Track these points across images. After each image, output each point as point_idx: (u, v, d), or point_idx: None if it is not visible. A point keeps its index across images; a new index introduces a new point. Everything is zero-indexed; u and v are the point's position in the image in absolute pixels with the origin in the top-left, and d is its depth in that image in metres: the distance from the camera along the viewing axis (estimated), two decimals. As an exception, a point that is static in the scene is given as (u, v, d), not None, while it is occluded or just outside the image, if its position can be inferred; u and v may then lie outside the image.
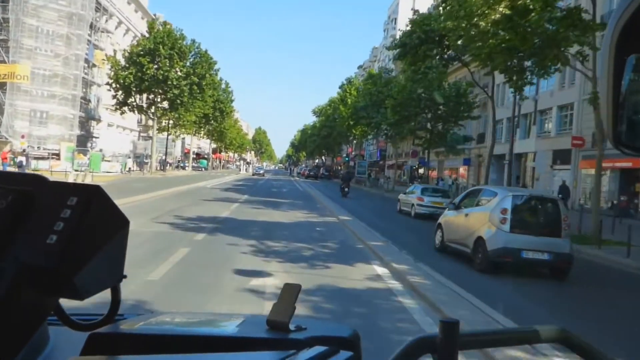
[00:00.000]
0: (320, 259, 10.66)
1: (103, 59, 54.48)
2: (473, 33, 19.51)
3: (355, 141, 79.33)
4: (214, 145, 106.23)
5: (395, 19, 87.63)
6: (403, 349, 0.81)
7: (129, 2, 70.66)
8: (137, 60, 50.96)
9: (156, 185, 31.02)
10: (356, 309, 7.04)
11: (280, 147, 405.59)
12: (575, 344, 0.92)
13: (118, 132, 70.31)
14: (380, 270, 9.83)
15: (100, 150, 54.25)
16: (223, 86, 76.33)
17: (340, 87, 69.18)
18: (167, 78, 51.17)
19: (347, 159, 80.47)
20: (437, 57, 25.88)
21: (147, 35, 53.63)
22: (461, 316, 6.11)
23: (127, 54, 52.13)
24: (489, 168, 29.01)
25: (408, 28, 25.32)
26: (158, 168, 60.81)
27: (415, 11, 27.54)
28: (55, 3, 52.81)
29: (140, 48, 51.52)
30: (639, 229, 16.39)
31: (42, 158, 49.17)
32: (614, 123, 0.73)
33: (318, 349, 0.98)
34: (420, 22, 25.55)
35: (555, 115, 37.78)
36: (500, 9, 18.13)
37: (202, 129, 76.45)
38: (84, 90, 57.06)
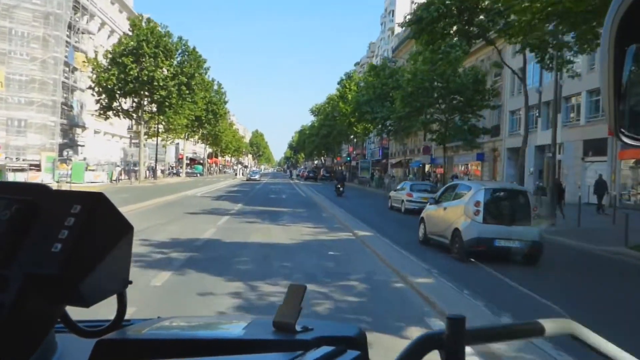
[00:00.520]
0: (344, 318, 6.51)
1: (84, 61, 50.31)
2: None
3: (356, 140, 75.17)
4: (209, 150, 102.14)
5: (393, 11, 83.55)
6: (410, 346, 0.82)
7: (113, 2, 66.48)
8: (120, 60, 46.89)
9: (141, 196, 26.87)
10: None
11: (279, 149, 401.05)
12: (582, 336, 0.91)
13: (106, 140, 66.18)
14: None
15: (84, 159, 50.12)
16: (215, 87, 72.20)
17: (339, 83, 64.90)
18: (153, 79, 47.07)
19: (348, 158, 76.30)
20: (458, 35, 21.72)
21: (129, 33, 49.42)
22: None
23: (109, 55, 48.01)
24: (524, 159, 24.85)
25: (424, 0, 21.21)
26: (148, 176, 56.67)
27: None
28: (29, 2, 48.62)
29: (122, 47, 47.42)
30: None
31: (21, 170, 45.01)
32: (615, 113, 0.73)
33: (325, 349, 0.97)
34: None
35: (585, 100, 33.63)
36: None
37: (195, 133, 72.23)
38: (65, 95, 52.91)
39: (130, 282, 1.04)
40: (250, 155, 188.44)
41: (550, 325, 0.92)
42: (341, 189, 35.65)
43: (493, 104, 31.94)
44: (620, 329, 4.79)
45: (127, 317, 1.14)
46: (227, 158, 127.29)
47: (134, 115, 50.80)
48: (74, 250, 0.87)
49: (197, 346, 1.08)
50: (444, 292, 7.93)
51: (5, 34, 47.62)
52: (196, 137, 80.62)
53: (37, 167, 46.19)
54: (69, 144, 54.37)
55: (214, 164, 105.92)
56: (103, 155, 58.16)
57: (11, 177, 40.46)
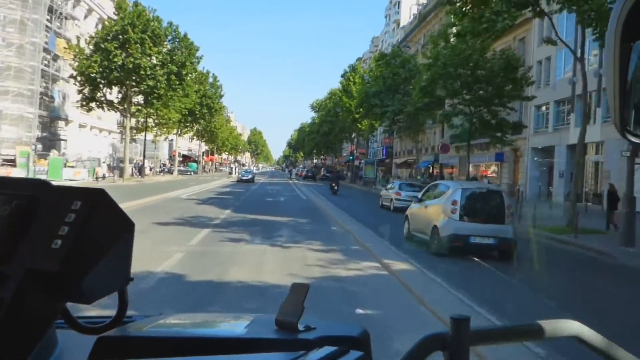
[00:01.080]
0: None
1: (65, 47, 45.48)
2: None
3: (357, 139, 70.34)
4: (205, 147, 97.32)
5: (399, 2, 78.79)
6: (414, 347, 0.82)
7: (102, -12, 61.62)
8: (103, 46, 42.09)
9: (116, 198, 22.02)
10: None
11: (278, 148, 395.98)
12: (586, 337, 0.91)
13: (93, 135, 61.28)
14: None
15: (63, 154, 45.35)
16: (210, 80, 67.42)
17: (342, 76, 59.98)
18: (140, 67, 42.27)
19: (351, 157, 71.48)
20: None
21: (114, 17, 44.56)
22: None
23: (92, 40, 43.19)
24: (583, 156, 20.15)
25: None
26: (135, 173, 51.92)
27: None
28: (3, -18, 43.88)
29: (106, 32, 42.64)
30: None
31: (-8, 165, 40.28)
32: (620, 110, 0.73)
33: (328, 349, 0.96)
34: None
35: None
36: None
37: (189, 129, 67.38)
38: (45, 85, 48.07)
39: (132, 279, 1.01)
40: (248, 154, 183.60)
41: (555, 326, 0.91)
42: (336, 187, 37.22)
43: (526, 94, 27.13)
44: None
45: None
46: (224, 156, 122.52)
47: (119, 107, 45.92)
48: (75, 246, 0.86)
49: (199, 344, 1.06)
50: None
51: (-23, 15, 42.85)
52: (190, 133, 75.84)
53: (11, 162, 41.39)
54: (49, 137, 49.53)
55: (210, 162, 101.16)
56: (89, 151, 53.41)
57: (-20, 173, 36.01)
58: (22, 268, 0.85)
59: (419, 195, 15.31)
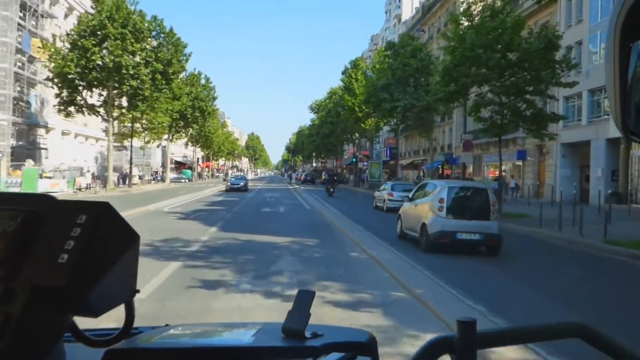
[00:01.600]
0: None
1: (39, 47, 41.17)
2: None
3: (358, 140, 65.91)
4: (201, 153, 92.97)
5: (400, -4, 74.61)
6: (421, 350, 0.82)
7: (84, -14, 57.33)
8: (80, 43, 37.81)
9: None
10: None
11: (276, 153, 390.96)
12: (594, 339, 0.90)
13: (79, 142, 56.92)
14: None
15: (38, 164, 41.00)
16: (203, 81, 63.01)
17: (343, 73, 55.43)
18: (121, 66, 37.98)
19: (354, 159, 67.13)
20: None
21: (92, 11, 40.18)
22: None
23: (68, 38, 38.86)
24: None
25: None
26: (120, 183, 47.58)
27: None
28: (-31, -25, 39.59)
29: (82, 27, 38.32)
30: None
31: (-40, 178, 35.93)
32: (621, 110, 0.72)
33: (335, 355, 0.97)
34: None
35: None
36: None
37: (180, 134, 62.99)
38: (20, 89, 43.80)
39: (138, 291, 1.01)
40: (246, 159, 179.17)
41: (562, 328, 0.91)
42: (331, 189, 38.34)
43: (566, 79, 22.74)
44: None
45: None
46: (222, 162, 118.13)
47: (101, 111, 41.55)
48: (81, 260, 0.86)
49: (207, 354, 1.06)
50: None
51: (-61, 13, 38.52)
52: (184, 138, 71.52)
53: (-18, 174, 37.05)
54: (27, 146, 45.21)
55: (206, 168, 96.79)
56: (74, 160, 49.09)
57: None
58: (29, 283, 0.84)
59: (411, 194, 15.71)
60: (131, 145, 47.21)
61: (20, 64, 43.43)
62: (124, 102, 42.35)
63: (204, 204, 28.65)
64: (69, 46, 38.77)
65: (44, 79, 41.74)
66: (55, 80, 38.98)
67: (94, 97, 41.67)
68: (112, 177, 43.88)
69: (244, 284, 8.47)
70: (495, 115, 23.06)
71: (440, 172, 54.79)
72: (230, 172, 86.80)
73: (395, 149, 69.88)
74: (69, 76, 38.41)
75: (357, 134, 61.65)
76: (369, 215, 24.23)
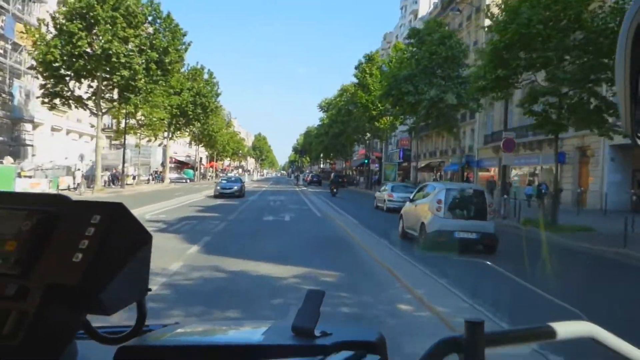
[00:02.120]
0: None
1: (21, 32, 36.94)
2: None
3: (373, 140, 61.39)
4: (205, 153, 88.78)
5: (417, -9, 70.10)
6: (429, 350, 0.83)
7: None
8: (65, 28, 33.61)
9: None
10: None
11: (283, 154, 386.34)
12: (603, 339, 0.90)
13: (72, 139, 52.84)
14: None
15: (20, 161, 36.79)
16: (205, 76, 58.69)
17: (356, 68, 50.81)
18: (111, 53, 33.74)
19: (366, 161, 62.55)
20: None
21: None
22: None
23: (53, 21, 34.62)
24: None
25: None
26: (111, 183, 43.35)
27: None
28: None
29: (68, 9, 34.08)
30: None
31: None
32: (631, 114, 0.71)
33: (344, 354, 0.96)
34: None
35: None
36: None
37: (181, 131, 58.67)
38: (2, 79, 39.67)
39: (150, 290, 1.03)
40: (252, 160, 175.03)
41: (570, 328, 0.91)
42: (335, 190, 39.35)
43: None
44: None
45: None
46: (227, 162, 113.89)
47: (88, 103, 37.27)
48: (95, 259, 0.87)
49: (217, 352, 1.07)
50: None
51: None
52: (186, 136, 67.26)
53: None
54: (10, 143, 41.10)
55: (211, 169, 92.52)
56: (66, 158, 44.93)
57: None
58: (44, 282, 0.86)
59: (411, 196, 16.17)
60: (124, 143, 42.94)
61: (1, 52, 39.33)
62: (116, 94, 38.10)
63: (196, 209, 24.27)
64: (54, 31, 34.55)
65: (27, 68, 37.60)
66: (39, 68, 34.78)
67: (83, 88, 37.40)
68: (103, 176, 39.54)
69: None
70: (550, 108, 18.55)
71: (461, 174, 50.31)
72: (234, 172, 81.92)
73: (409, 151, 65.34)
74: (54, 64, 34.17)
75: (369, 134, 57.02)
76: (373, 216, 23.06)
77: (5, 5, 38.44)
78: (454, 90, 27.56)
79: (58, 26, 33.99)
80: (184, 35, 39.25)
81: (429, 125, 35.72)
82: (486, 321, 0.87)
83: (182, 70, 55.29)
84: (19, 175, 32.80)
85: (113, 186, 42.48)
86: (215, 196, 33.24)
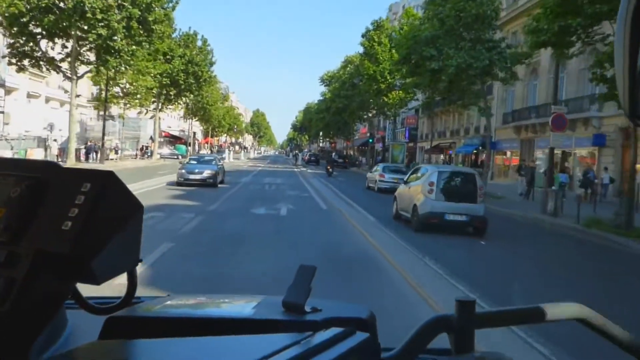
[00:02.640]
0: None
1: (-16, -19, 31.97)
2: None
3: (379, 117, 56.58)
4: (199, 127, 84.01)
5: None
6: (419, 328, 0.83)
7: None
8: (33, -24, 28.69)
9: None
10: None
11: (282, 132, 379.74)
12: (592, 321, 0.92)
13: (51, 107, 48.02)
14: None
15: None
16: (199, 43, 53.58)
17: (364, 36, 45.66)
18: (85, 8, 28.93)
19: (370, 140, 57.92)
20: None
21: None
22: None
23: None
24: None
25: None
26: (89, 157, 38.76)
27: None
28: None
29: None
30: None
31: None
32: (630, 95, 0.70)
33: (334, 330, 0.95)
34: None
35: None
36: None
37: (173, 102, 53.74)
38: (-35, 36, 34.73)
39: (141, 261, 1.01)
40: (250, 136, 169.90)
41: (560, 309, 0.92)
42: (331, 169, 39.21)
43: None
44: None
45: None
46: (224, 138, 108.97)
47: (61, 66, 32.49)
48: (85, 228, 0.86)
49: (207, 324, 1.05)
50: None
51: None
52: (178, 109, 62.27)
53: None
54: (-25, 109, 36.30)
55: (207, 144, 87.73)
56: (45, 129, 40.24)
57: None
58: (33, 248, 0.85)
59: (405, 178, 16.45)
60: (105, 112, 38.38)
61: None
62: (93, 57, 33.27)
63: (173, 193, 19.76)
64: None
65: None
66: (4, 23, 29.99)
67: (57, 49, 32.58)
68: (78, 149, 34.94)
69: None
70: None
71: (473, 158, 45.76)
72: (227, 150, 76.59)
73: (415, 130, 60.70)
74: (22, 19, 29.40)
75: (375, 110, 52.11)
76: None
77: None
78: (485, 55, 22.85)
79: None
80: (173, -9, 34.30)
81: (444, 101, 30.90)
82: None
83: (174, 35, 50.85)
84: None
85: (92, 161, 37.84)
86: (179, 183, 23.11)
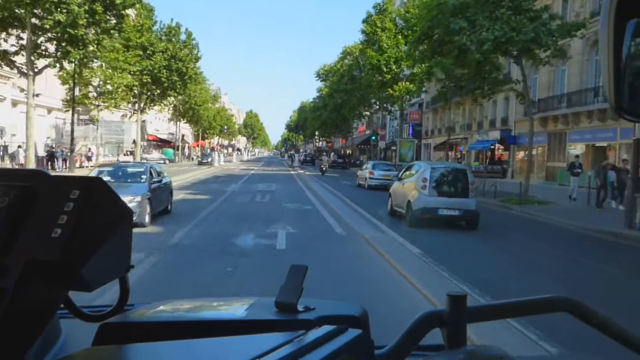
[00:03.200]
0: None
1: None
2: None
3: (381, 112, 51.63)
4: (189, 129, 79.01)
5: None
6: (411, 325, 0.84)
7: None
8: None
9: None
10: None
11: (276, 134, 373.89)
12: (582, 313, 0.92)
13: (19, 112, 42.94)
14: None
15: None
16: (183, 37, 48.49)
17: (364, 22, 40.52)
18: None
19: (373, 137, 52.97)
20: None
21: None
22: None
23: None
24: None
25: None
26: (52, 164, 33.69)
27: None
28: None
29: None
30: None
31: None
32: (615, 89, 0.72)
33: (326, 328, 0.95)
34: None
35: None
36: None
37: (156, 102, 48.66)
38: None
39: (132, 267, 1.00)
40: (244, 138, 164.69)
41: (550, 302, 0.92)
42: (324, 169, 39.91)
43: None
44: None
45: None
46: (215, 141, 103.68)
47: (15, 60, 27.44)
48: (74, 235, 0.86)
49: (200, 327, 1.06)
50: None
51: None
52: (164, 109, 57.10)
53: None
54: None
55: (198, 147, 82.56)
56: (13, 135, 35.37)
57: None
58: (23, 258, 0.84)
59: (392, 174, 17.32)
60: (73, 114, 33.22)
61: None
62: (53, 48, 28.24)
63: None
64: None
65: None
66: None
67: (11, 40, 27.56)
68: (38, 156, 29.94)
69: None
70: None
71: (490, 155, 40.91)
72: (216, 153, 70.86)
73: (419, 126, 55.91)
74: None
75: (377, 105, 47.09)
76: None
77: None
78: (529, 27, 17.96)
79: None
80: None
81: (462, 90, 26.06)
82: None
83: (154, 28, 45.83)
84: None
85: (59, 169, 32.82)
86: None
